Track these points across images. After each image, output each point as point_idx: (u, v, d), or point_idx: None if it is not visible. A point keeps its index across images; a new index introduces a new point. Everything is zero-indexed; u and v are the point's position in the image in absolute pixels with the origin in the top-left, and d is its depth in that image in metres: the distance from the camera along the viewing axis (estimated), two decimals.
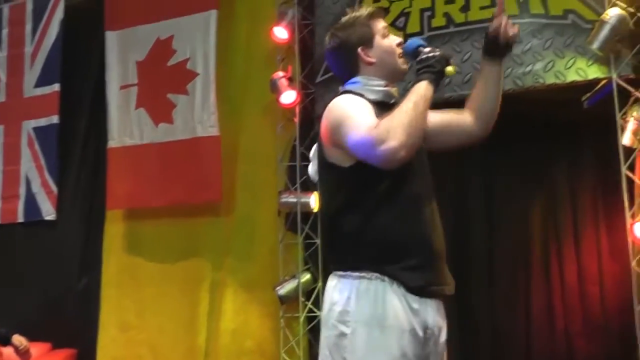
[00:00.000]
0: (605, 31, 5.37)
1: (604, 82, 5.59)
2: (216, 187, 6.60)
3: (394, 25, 6.15)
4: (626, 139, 5.45)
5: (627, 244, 5.37)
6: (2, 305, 6.93)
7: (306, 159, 6.43)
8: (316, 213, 6.41)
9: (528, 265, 6.54)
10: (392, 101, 2.97)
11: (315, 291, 6.39)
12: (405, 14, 6.18)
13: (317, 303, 6.38)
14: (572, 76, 5.60)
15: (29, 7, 7.91)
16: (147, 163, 6.98)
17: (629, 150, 5.49)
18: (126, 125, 7.13)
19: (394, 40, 3.06)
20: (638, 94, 5.47)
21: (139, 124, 7.08)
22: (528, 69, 5.70)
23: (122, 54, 7.26)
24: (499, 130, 6.35)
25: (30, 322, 6.88)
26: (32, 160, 7.72)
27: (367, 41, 3.02)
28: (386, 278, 2.77)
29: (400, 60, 3.03)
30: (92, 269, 7.42)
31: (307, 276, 6.43)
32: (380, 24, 3.07)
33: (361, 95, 2.92)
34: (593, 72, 5.57)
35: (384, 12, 3.18)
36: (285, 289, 6.38)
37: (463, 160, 6.77)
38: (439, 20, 6.05)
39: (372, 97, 2.94)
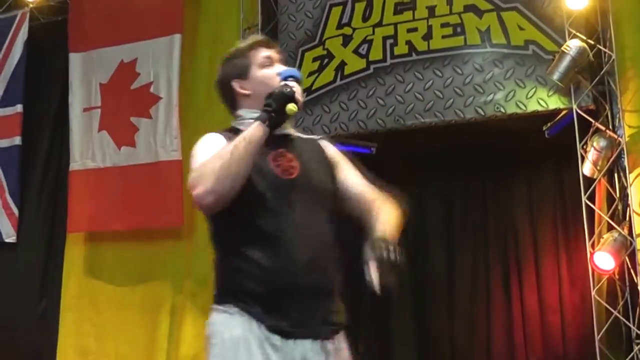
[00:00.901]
0: (565, 62, 5.44)
1: (564, 112, 5.66)
2: (178, 211, 6.55)
3: (356, 53, 6.19)
4: (587, 169, 5.51)
5: (588, 274, 5.40)
6: None
7: None
8: None
9: (488, 294, 6.56)
10: (276, 132, 2.83)
11: None
12: (367, 42, 6.22)
13: None
14: (533, 106, 5.66)
15: None
16: (109, 186, 6.93)
17: (590, 180, 5.54)
18: (88, 148, 7.08)
19: (276, 69, 2.92)
20: (598, 124, 5.53)
21: (101, 147, 7.03)
22: (489, 98, 5.74)
23: (85, 75, 7.22)
24: (460, 157, 6.49)
25: None
26: None
27: (243, 73, 2.93)
28: (246, 314, 2.68)
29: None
30: (51, 292, 7.33)
31: None
32: (261, 54, 2.94)
33: (239, 131, 2.78)
34: (554, 102, 5.62)
35: (267, 42, 3.02)
36: None
37: (423, 186, 6.81)
38: (401, 48, 6.09)
39: None
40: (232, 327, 2.68)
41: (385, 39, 6.15)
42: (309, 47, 6.41)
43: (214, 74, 6.80)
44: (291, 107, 2.70)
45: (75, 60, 7.29)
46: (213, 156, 2.64)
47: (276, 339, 2.64)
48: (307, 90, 6.33)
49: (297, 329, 2.68)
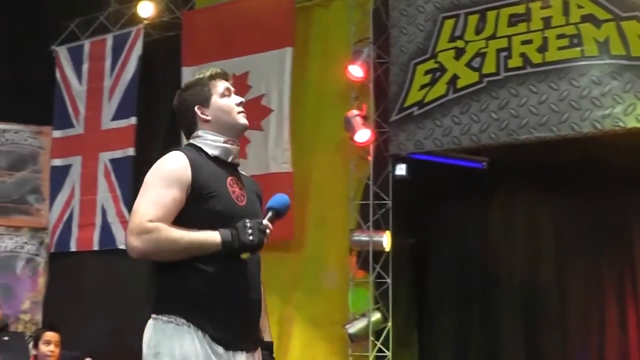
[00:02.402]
0: None
1: None
2: (288, 223, 6.55)
3: (469, 66, 6.11)
4: None
5: None
6: (74, 330, 6.99)
7: (379, 198, 6.41)
8: (388, 252, 6.38)
9: (602, 316, 6.40)
10: (230, 159, 3.13)
11: (385, 331, 6.35)
12: (481, 54, 6.13)
13: (387, 343, 6.33)
14: None
15: (109, 43, 8.11)
16: None
17: None
18: None
19: (234, 100, 3.17)
20: None
21: None
22: (607, 111, 5.56)
23: None
24: (574, 173, 6.32)
25: (100, 348, 6.94)
26: (108, 191, 7.88)
27: (204, 100, 3.15)
28: (192, 325, 2.89)
29: (240, 116, 3.16)
30: None
31: (377, 315, 6.37)
32: (221, 85, 3.18)
33: (200, 149, 3.09)
34: None
35: (225, 74, 3.25)
36: (355, 327, 6.34)
37: (534, 202, 6.68)
38: (515, 61, 5.98)
39: (211, 151, 3.10)
40: (179, 337, 2.89)
41: (499, 51, 6.05)
42: (420, 60, 6.37)
43: (324, 87, 7.02)
44: (245, 255, 2.92)
45: (188, 74, 7.41)
46: (175, 235, 2.86)
47: (220, 349, 2.90)
48: (418, 104, 6.32)
49: (237, 342, 2.96)
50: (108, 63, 8.07)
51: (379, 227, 6.42)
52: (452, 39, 6.28)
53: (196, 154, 3.04)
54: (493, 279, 6.94)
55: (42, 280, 8.40)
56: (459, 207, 7.11)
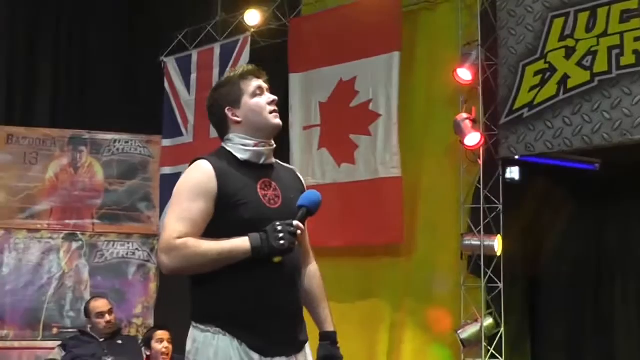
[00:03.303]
0: None
1: None
2: (398, 228, 6.59)
3: (580, 65, 5.99)
4: None
5: None
6: (185, 334, 7.00)
7: (490, 202, 6.35)
8: (499, 257, 6.31)
9: None
10: (262, 161, 3.10)
11: (498, 336, 6.27)
12: (592, 53, 5.98)
13: (500, 348, 6.25)
14: None
15: (217, 52, 8.25)
16: (329, 202, 6.86)
17: None
18: (308, 165, 7.25)
19: (266, 98, 3.10)
20: None
21: (321, 164, 7.19)
22: None
23: (305, 95, 7.43)
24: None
25: None
26: None
27: (235, 101, 3.09)
28: (227, 334, 2.92)
29: (271, 116, 3.09)
30: None
31: (489, 320, 6.31)
32: (252, 83, 3.11)
33: (230, 154, 3.06)
34: None
35: (257, 71, 3.18)
36: (467, 332, 6.28)
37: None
38: (628, 58, 5.79)
39: (240, 155, 3.06)
40: (215, 346, 2.92)
41: (610, 49, 5.88)
42: (530, 60, 6.26)
43: (432, 91, 7.00)
44: (277, 259, 2.90)
45: (295, 80, 7.51)
46: (203, 248, 2.88)
47: (256, 356, 2.92)
48: (528, 106, 6.21)
49: (274, 348, 2.97)
50: (216, 72, 8.20)
51: (490, 231, 6.34)
52: (562, 38, 6.15)
53: (223, 161, 3.02)
54: (607, 284, 6.78)
55: (153, 286, 8.63)
56: (571, 209, 6.98)
